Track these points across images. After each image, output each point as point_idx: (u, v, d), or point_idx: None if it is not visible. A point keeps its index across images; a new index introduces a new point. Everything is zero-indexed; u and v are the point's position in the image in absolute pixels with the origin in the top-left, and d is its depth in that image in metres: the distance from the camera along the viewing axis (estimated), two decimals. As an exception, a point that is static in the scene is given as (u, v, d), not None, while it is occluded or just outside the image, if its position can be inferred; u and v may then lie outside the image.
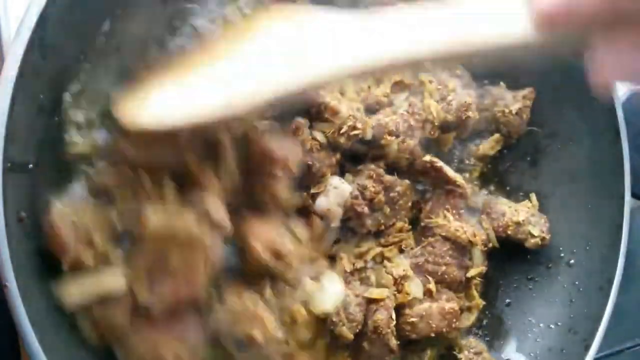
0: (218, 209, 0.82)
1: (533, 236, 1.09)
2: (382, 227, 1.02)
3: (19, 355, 0.92)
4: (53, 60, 0.78)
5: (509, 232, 1.10)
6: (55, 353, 0.73)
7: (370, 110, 1.03)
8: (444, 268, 1.02)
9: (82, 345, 0.82)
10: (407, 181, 1.03)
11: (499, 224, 1.10)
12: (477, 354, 1.06)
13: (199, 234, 0.80)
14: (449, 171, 1.06)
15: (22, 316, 0.69)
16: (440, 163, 1.05)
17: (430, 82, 1.07)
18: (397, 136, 1.00)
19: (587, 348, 0.99)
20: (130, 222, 0.81)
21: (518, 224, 1.09)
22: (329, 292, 0.93)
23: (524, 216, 1.10)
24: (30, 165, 0.77)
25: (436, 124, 1.05)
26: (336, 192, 0.97)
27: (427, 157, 1.05)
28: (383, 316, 0.94)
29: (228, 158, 0.87)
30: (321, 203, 0.97)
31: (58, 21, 0.76)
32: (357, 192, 0.97)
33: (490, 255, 1.10)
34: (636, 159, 1.07)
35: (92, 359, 0.83)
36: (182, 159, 0.83)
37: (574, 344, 1.02)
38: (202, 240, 0.80)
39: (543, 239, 1.10)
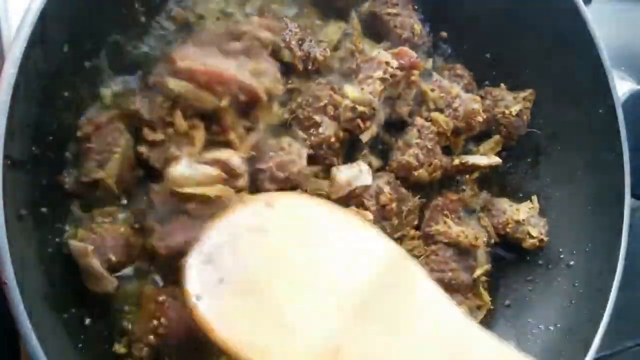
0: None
1: (531, 237, 1.10)
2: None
3: (19, 355, 0.92)
4: (53, 59, 0.78)
5: (508, 230, 1.10)
6: (55, 353, 0.72)
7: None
8: (450, 274, 1.02)
9: (80, 345, 0.82)
10: (418, 199, 1.05)
11: (499, 221, 1.11)
12: (477, 355, 1.05)
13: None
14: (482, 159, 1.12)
15: (22, 315, 0.69)
16: (469, 159, 1.10)
17: (432, 90, 1.07)
18: (423, 164, 1.03)
19: (586, 349, 0.98)
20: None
21: (518, 222, 1.10)
22: None
23: (524, 216, 1.10)
24: (30, 163, 0.77)
25: (448, 134, 1.07)
26: (360, 174, 0.97)
27: (457, 161, 1.09)
28: None
29: None
30: (345, 173, 0.97)
31: (58, 20, 0.76)
32: (373, 191, 0.98)
33: (490, 256, 1.11)
34: (636, 159, 1.07)
35: (90, 358, 0.83)
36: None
37: (573, 344, 1.02)
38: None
39: (541, 240, 1.10)
